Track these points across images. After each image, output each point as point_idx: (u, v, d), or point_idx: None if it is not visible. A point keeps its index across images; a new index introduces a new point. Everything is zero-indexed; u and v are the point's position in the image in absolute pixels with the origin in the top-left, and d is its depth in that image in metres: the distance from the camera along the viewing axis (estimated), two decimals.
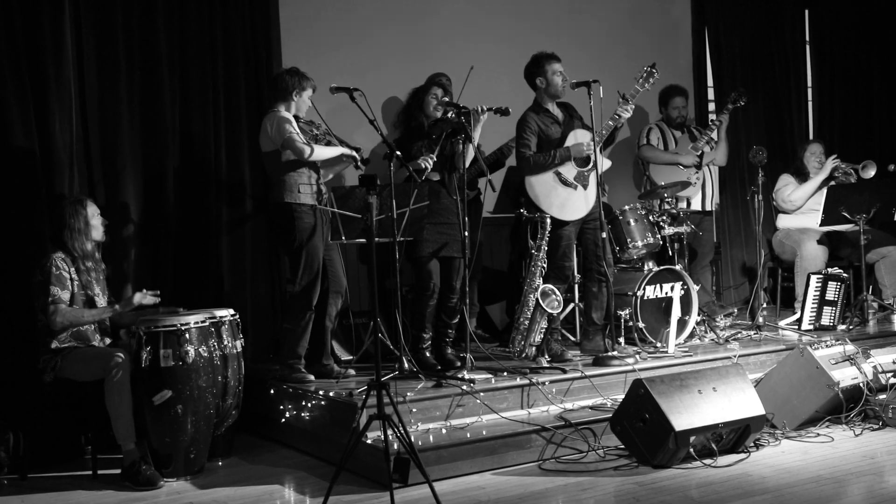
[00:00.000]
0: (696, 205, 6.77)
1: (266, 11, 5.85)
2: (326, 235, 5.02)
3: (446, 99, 5.30)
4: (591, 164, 5.33)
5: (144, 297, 4.54)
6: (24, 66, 4.98)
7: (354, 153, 5.00)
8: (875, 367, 5.02)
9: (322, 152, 4.92)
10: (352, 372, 5.07)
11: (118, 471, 4.40)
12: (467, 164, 5.21)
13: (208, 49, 5.63)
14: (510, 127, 5.48)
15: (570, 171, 5.35)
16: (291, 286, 4.99)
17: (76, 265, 4.57)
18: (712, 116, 6.85)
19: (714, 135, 6.73)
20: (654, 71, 5.39)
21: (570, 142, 5.35)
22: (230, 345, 4.64)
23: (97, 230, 4.67)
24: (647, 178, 6.73)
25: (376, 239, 4.06)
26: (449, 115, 5.11)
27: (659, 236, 5.94)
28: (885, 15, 8.46)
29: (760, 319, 6.19)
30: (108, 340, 4.71)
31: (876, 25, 8.40)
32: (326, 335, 5.15)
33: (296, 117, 5.02)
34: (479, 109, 5.12)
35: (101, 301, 4.66)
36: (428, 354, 5.23)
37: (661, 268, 5.76)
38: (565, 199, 5.34)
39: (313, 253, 4.93)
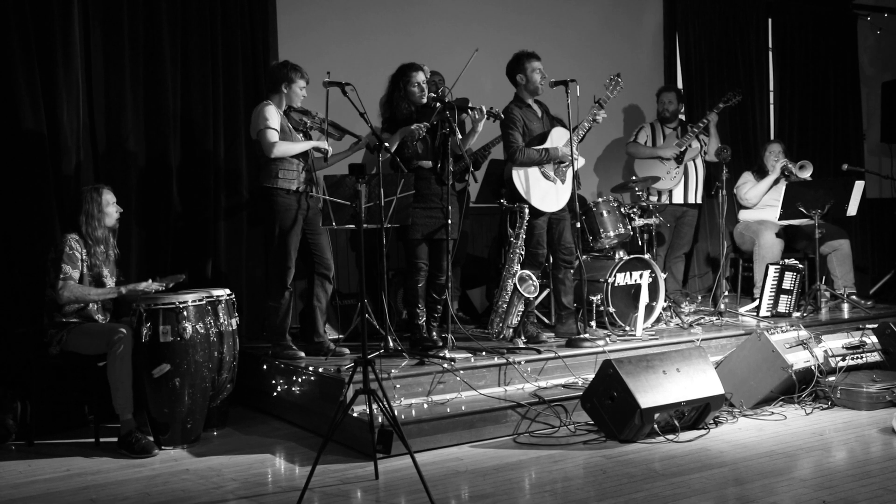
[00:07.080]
0: (678, 198, 6.75)
1: (264, 7, 5.76)
2: (314, 220, 4.95)
3: (432, 95, 5.14)
4: (568, 161, 5.33)
5: (150, 286, 4.47)
6: (34, 57, 4.89)
7: (323, 146, 4.91)
8: (826, 351, 5.05)
9: (288, 148, 4.79)
10: (346, 350, 5.01)
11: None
12: (466, 147, 5.16)
13: (209, 43, 5.54)
14: (493, 126, 5.40)
15: (550, 166, 5.35)
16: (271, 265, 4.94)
17: (88, 248, 4.53)
18: (710, 114, 6.73)
19: (703, 128, 6.67)
20: (618, 80, 5.54)
21: (552, 139, 5.33)
22: (226, 322, 4.60)
23: (110, 217, 4.62)
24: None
25: (365, 225, 4.01)
26: (433, 104, 4.98)
27: (630, 227, 5.92)
28: (841, 26, 8.48)
29: (722, 306, 6.20)
30: (108, 316, 4.65)
31: (832, 35, 8.41)
32: (316, 315, 5.08)
33: (290, 107, 4.94)
34: (482, 110, 5.00)
35: (110, 282, 4.60)
36: (424, 332, 5.15)
37: (631, 256, 5.72)
38: (546, 191, 5.34)
39: (288, 234, 4.84)
